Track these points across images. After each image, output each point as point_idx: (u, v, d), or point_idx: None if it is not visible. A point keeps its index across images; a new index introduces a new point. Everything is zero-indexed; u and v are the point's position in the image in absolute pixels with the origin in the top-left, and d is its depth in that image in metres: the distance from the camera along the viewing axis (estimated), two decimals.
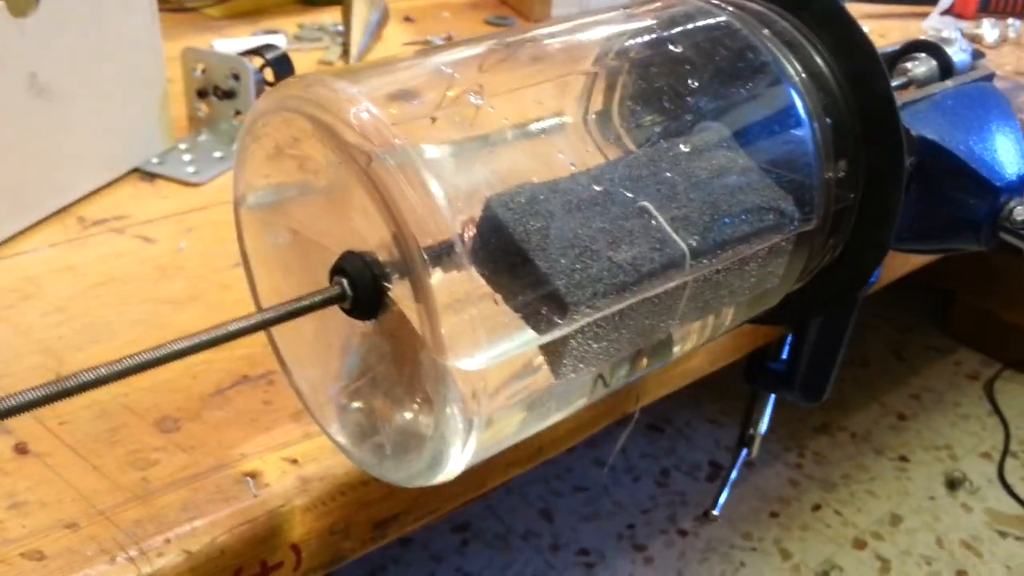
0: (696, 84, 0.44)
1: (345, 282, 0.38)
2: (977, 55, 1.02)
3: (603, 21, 0.47)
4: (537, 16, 1.10)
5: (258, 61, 0.78)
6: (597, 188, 0.40)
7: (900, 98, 0.54)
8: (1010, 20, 1.10)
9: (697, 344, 0.47)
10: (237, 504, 0.45)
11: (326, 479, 0.47)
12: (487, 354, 0.35)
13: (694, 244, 0.40)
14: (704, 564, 1.49)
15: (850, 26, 0.45)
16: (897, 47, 0.57)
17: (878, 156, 0.45)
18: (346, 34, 0.98)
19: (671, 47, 0.45)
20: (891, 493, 1.66)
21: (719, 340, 0.54)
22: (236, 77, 0.75)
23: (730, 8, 0.47)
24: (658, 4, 0.48)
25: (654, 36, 0.46)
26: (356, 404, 0.43)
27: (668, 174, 0.42)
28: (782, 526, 1.58)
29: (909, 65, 0.56)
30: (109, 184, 0.70)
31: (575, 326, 0.37)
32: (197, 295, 0.60)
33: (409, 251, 0.35)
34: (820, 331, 0.64)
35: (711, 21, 0.45)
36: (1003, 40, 1.08)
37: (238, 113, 0.76)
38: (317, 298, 0.38)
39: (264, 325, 0.37)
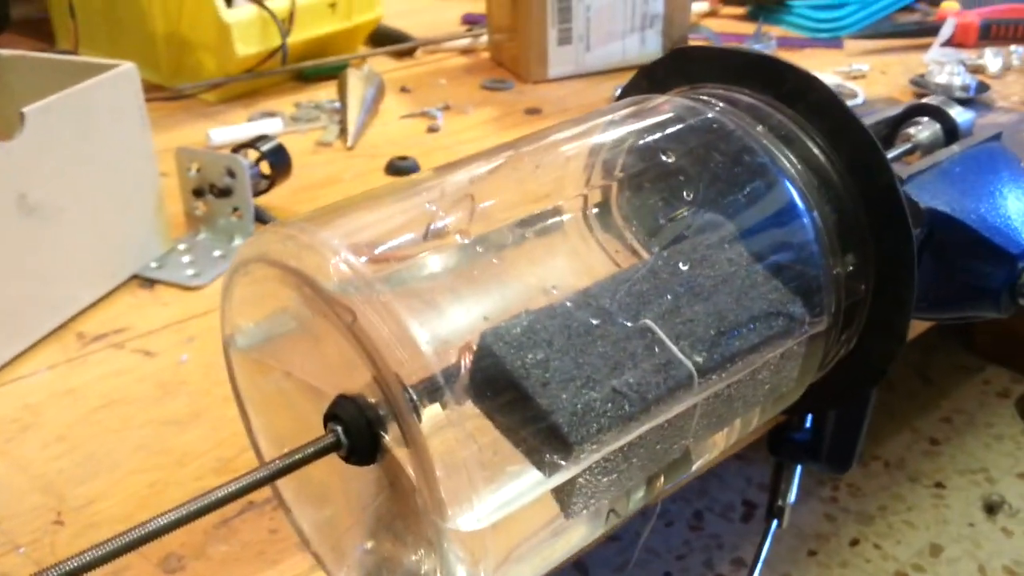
0: (691, 192, 0.42)
1: (340, 429, 0.36)
2: (982, 88, 1.00)
3: (591, 130, 0.46)
4: (534, 77, 1.09)
5: (253, 155, 0.78)
6: (596, 310, 0.38)
7: (906, 168, 0.52)
8: (1013, 47, 1.08)
9: (722, 451, 0.45)
10: None
11: None
12: (489, 506, 0.33)
13: (701, 361, 0.38)
14: None
15: (846, 116, 0.43)
16: (899, 111, 0.56)
17: (886, 246, 0.44)
18: (343, 112, 0.97)
19: (663, 156, 0.43)
20: (929, 522, 1.62)
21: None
22: (231, 174, 0.74)
23: (721, 105, 0.45)
24: (650, 104, 0.46)
25: (645, 142, 0.44)
26: (363, 546, 0.41)
27: (669, 287, 0.40)
28: (821, 564, 1.55)
29: (912, 130, 0.54)
30: (108, 294, 0.69)
31: (582, 465, 0.35)
32: (200, 412, 0.59)
33: (395, 399, 0.33)
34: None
35: (702, 122, 0.44)
36: (1007, 68, 1.06)
37: (235, 210, 0.75)
38: (311, 450, 0.36)
39: (259, 484, 0.35)
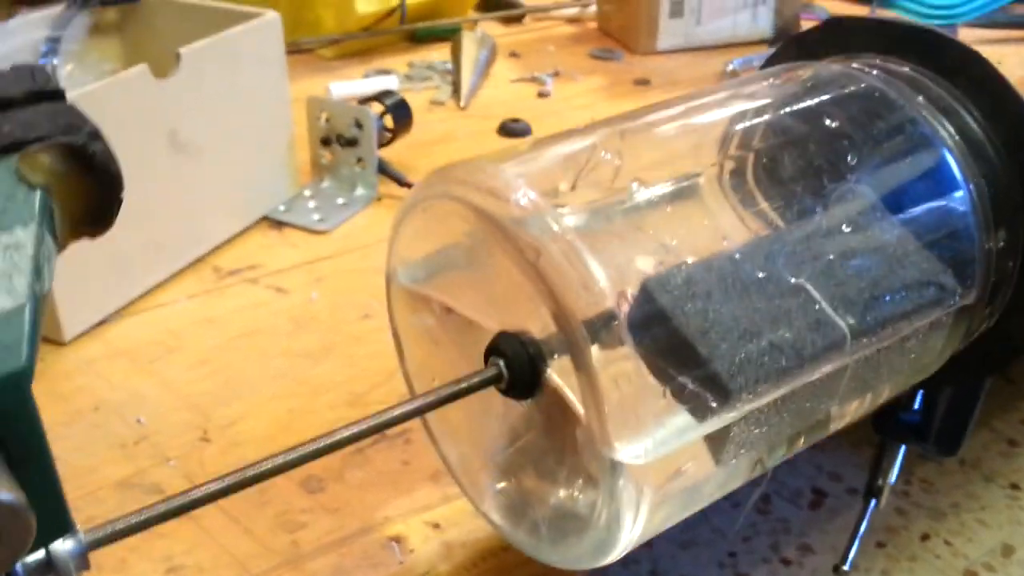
0: (848, 155, 0.43)
1: (502, 363, 0.38)
2: None
3: (746, 93, 0.47)
4: (643, 49, 1.09)
5: (378, 108, 0.80)
6: (753, 267, 0.40)
7: None
8: None
9: (855, 419, 0.46)
10: (385, 570, 0.46)
11: (468, 544, 0.48)
12: (651, 442, 0.35)
13: (854, 323, 0.39)
14: None
15: (1006, 91, 0.44)
16: None
17: None
18: (456, 73, 0.99)
19: (825, 120, 0.44)
20: (1003, 522, 1.60)
21: None
22: (359, 125, 0.76)
23: (877, 73, 0.46)
24: (804, 72, 0.47)
25: (805, 106, 0.45)
26: (509, 481, 0.43)
27: (824, 251, 0.41)
28: (890, 557, 1.53)
29: None
30: (240, 233, 0.72)
31: (738, 413, 0.37)
32: (331, 347, 0.61)
33: (572, 332, 0.35)
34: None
35: (863, 90, 0.45)
36: None
37: (359, 160, 0.77)
38: (474, 380, 0.38)
39: (425, 409, 0.37)
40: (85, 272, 0.60)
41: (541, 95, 0.99)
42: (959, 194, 0.43)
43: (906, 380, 0.46)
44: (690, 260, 0.39)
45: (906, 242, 0.42)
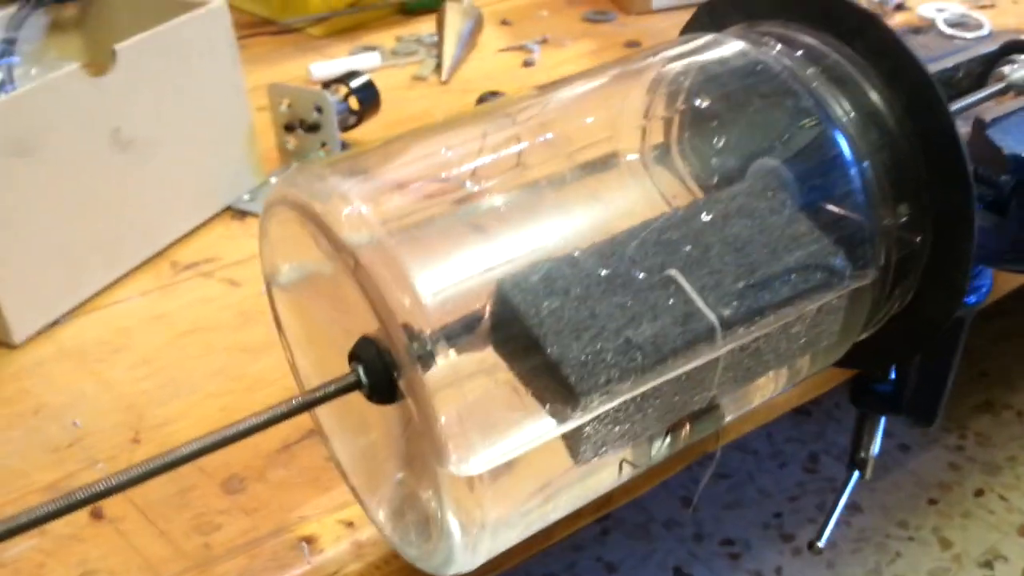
0: (733, 137, 0.41)
1: (360, 369, 0.37)
2: None
3: (644, 68, 0.45)
4: (637, 8, 1.06)
5: (343, 90, 0.79)
6: (618, 258, 0.38)
7: (994, 110, 0.49)
8: None
9: (767, 396, 0.44)
10: (291, 571, 0.46)
11: (379, 543, 0.47)
12: (492, 455, 0.34)
13: (727, 314, 0.37)
14: (857, 555, 1.42)
15: (905, 55, 0.40)
16: (993, 49, 0.52)
17: (944, 195, 0.41)
18: (439, 46, 0.97)
19: (701, 99, 0.42)
20: None
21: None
22: (319, 110, 0.76)
23: (778, 45, 0.43)
24: (700, 43, 0.45)
25: (691, 83, 0.43)
26: (394, 479, 0.42)
27: (701, 236, 0.39)
28: (941, 513, 1.49)
29: (1006, 69, 0.51)
30: (203, 224, 0.73)
31: (590, 415, 0.35)
32: (275, 341, 0.61)
33: (396, 348, 0.34)
34: (927, 353, 0.59)
35: (746, 63, 0.42)
36: None
37: (323, 145, 0.77)
38: (332, 388, 0.37)
39: (283, 417, 0.37)
40: (35, 274, 0.61)
41: (527, 64, 0.97)
42: (850, 170, 0.40)
43: (807, 365, 0.44)
44: (553, 256, 0.38)
45: (796, 223, 0.40)
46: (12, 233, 0.59)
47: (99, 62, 0.64)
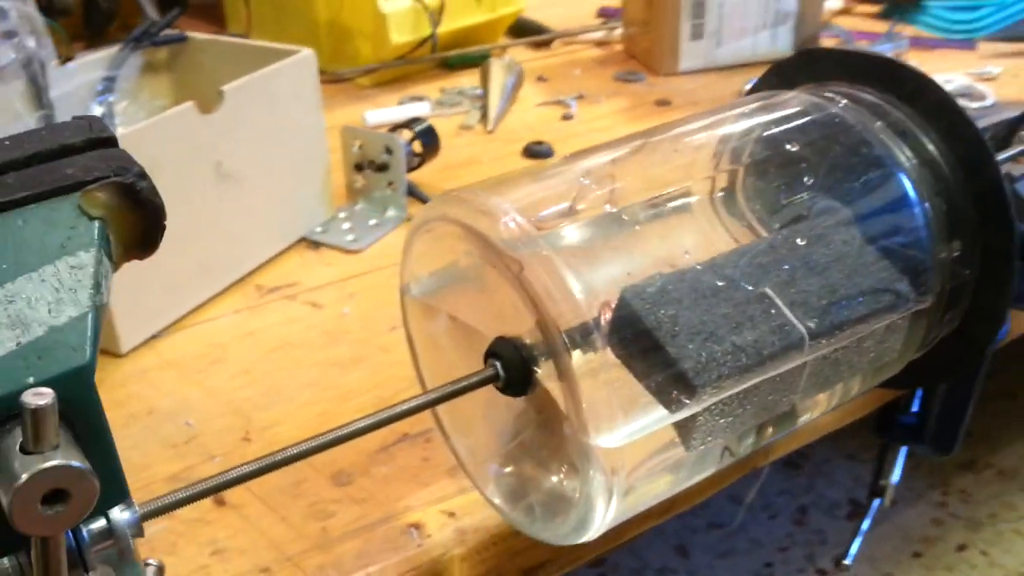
0: (812, 178, 0.48)
1: (498, 364, 0.43)
2: None
3: (723, 120, 0.52)
4: (665, 70, 1.14)
5: (407, 134, 0.86)
6: (721, 276, 0.44)
7: (1020, 167, 0.56)
8: None
9: (824, 411, 0.51)
10: (404, 552, 0.51)
11: (480, 530, 0.53)
12: (625, 431, 0.40)
13: (812, 326, 0.44)
14: None
15: (958, 114, 0.48)
16: (1018, 114, 0.60)
17: (991, 235, 0.48)
18: (485, 98, 1.05)
19: (788, 146, 0.49)
20: None
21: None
22: (389, 151, 0.82)
23: (844, 101, 0.50)
24: (777, 100, 0.52)
25: (774, 132, 0.50)
26: (509, 469, 0.48)
27: (787, 261, 0.46)
28: (925, 567, 1.55)
29: None
30: (281, 253, 0.79)
31: (703, 405, 0.41)
32: (360, 358, 0.67)
33: (552, 338, 0.40)
34: (949, 386, 0.66)
35: (825, 116, 0.49)
36: None
37: (390, 184, 0.83)
38: (474, 379, 0.43)
39: (429, 404, 0.43)
40: (140, 292, 0.67)
41: (565, 118, 1.05)
42: (913, 210, 0.47)
43: (870, 378, 0.50)
44: (666, 271, 0.44)
45: (866, 253, 0.47)
46: None
47: (202, 102, 0.70)
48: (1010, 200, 0.47)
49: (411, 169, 0.86)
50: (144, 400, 0.63)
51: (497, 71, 1.07)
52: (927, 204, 0.48)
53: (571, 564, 0.56)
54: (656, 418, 0.42)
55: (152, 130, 0.66)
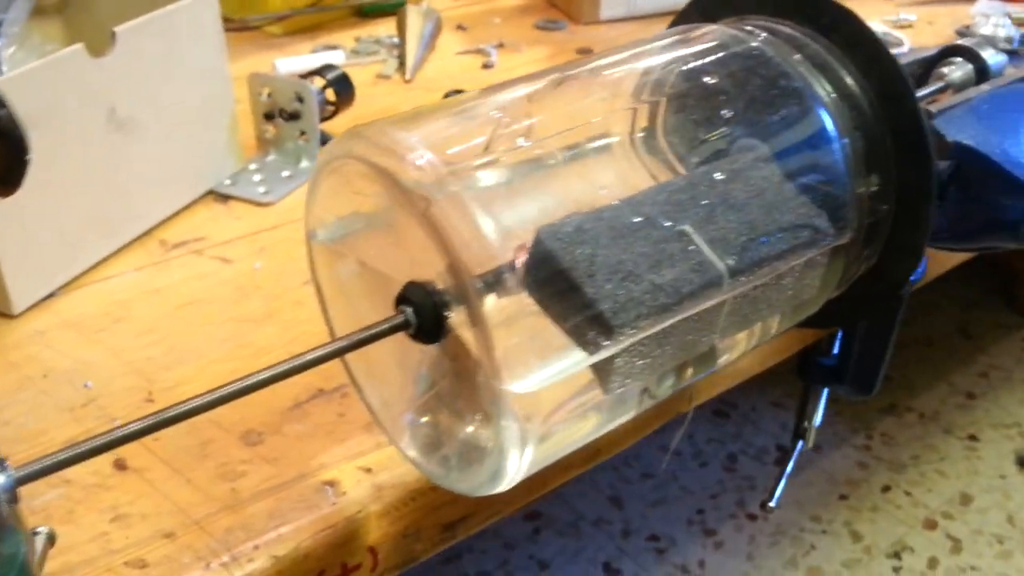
0: (731, 112, 0.46)
1: (409, 310, 0.41)
2: None
3: (641, 54, 0.50)
4: (586, 18, 1.12)
5: (320, 82, 0.82)
6: (639, 215, 0.43)
7: (936, 104, 0.56)
8: None
9: (745, 351, 0.50)
10: (318, 511, 0.49)
11: (398, 486, 0.51)
12: (538, 376, 0.38)
13: (732, 264, 0.43)
14: (774, 547, 1.50)
15: (877, 47, 0.47)
16: (934, 52, 0.59)
17: (909, 170, 0.47)
18: (402, 46, 1.01)
19: (706, 79, 0.47)
20: (961, 473, 1.65)
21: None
22: (300, 99, 0.79)
23: (763, 35, 0.49)
24: (696, 33, 0.50)
25: (692, 66, 0.48)
26: (424, 419, 0.46)
27: (706, 198, 0.44)
28: (852, 508, 1.58)
29: (945, 70, 0.58)
30: (187, 207, 0.75)
31: (621, 347, 0.40)
32: (273, 312, 0.64)
33: (463, 282, 0.38)
34: (868, 328, 0.66)
35: (744, 49, 0.48)
36: None
37: (303, 133, 0.80)
38: (384, 326, 0.41)
39: (337, 354, 0.41)
40: (32, 248, 0.63)
41: (486, 66, 1.02)
42: (831, 144, 0.46)
43: (789, 317, 0.49)
44: (584, 210, 0.43)
45: (785, 189, 0.46)
46: (13, 205, 0.61)
47: (94, 45, 0.66)
48: (928, 135, 0.46)
49: (324, 119, 0.83)
50: (40, 362, 0.59)
51: (414, 18, 1.03)
52: (845, 139, 0.47)
53: (492, 517, 0.54)
54: (573, 362, 0.40)
55: (37, 74, 0.61)
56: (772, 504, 0.75)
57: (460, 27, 1.11)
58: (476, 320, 0.37)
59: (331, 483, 0.51)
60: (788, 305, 0.47)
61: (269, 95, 0.80)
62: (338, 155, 0.42)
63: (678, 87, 0.50)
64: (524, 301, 0.40)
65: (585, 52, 1.05)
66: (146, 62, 0.69)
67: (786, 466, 0.76)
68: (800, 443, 0.77)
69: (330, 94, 0.83)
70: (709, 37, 0.50)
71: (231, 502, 0.49)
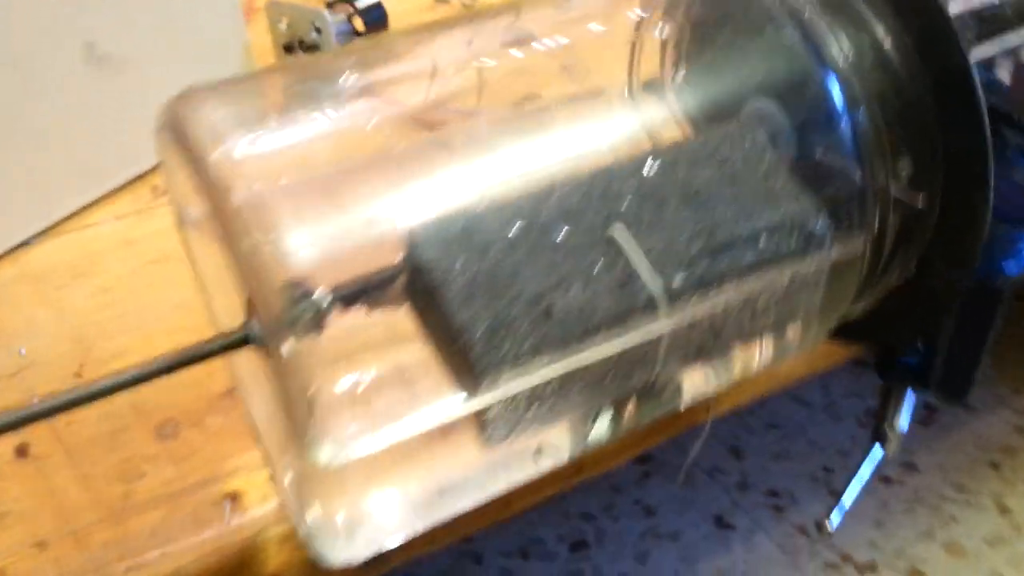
0: (729, 71, 0.35)
1: (256, 324, 0.33)
2: None
3: None
4: None
5: (347, 10, 0.73)
6: (562, 209, 0.32)
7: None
8: None
9: (747, 372, 0.38)
10: (210, 530, 0.42)
11: None
12: (368, 438, 0.29)
13: (675, 282, 0.32)
14: (908, 515, 1.35)
15: None
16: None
17: (957, 144, 0.34)
18: None
19: (699, 21, 0.35)
20: None
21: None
22: (318, 30, 0.70)
23: None
24: None
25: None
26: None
27: (661, 186, 0.33)
28: (1003, 479, 1.41)
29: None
30: None
31: (493, 393, 0.30)
32: None
33: (261, 323, 0.29)
34: (959, 325, 0.53)
35: None
36: None
37: None
38: (218, 344, 0.33)
39: (150, 376, 0.33)
40: (3, 193, 0.58)
41: None
42: (839, 120, 0.34)
43: (780, 343, 0.37)
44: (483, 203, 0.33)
45: (774, 179, 0.34)
46: None
47: None
48: (979, 93, 0.32)
49: None
50: None
51: None
52: (861, 111, 0.34)
53: (416, 549, 0.46)
54: (436, 410, 0.31)
55: None
56: (831, 528, 0.62)
57: None
58: (277, 371, 0.29)
59: (234, 496, 0.44)
60: (773, 331, 0.36)
61: (288, 25, 0.72)
62: (164, 124, 0.33)
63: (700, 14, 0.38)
64: (393, 323, 0.31)
65: None
66: None
67: (854, 477, 0.63)
68: (880, 449, 0.64)
69: (358, 23, 0.74)
70: None
71: (118, 509, 0.43)
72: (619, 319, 0.31)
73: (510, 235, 0.32)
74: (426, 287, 0.31)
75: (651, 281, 0.32)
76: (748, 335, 0.35)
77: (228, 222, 0.29)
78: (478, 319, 0.30)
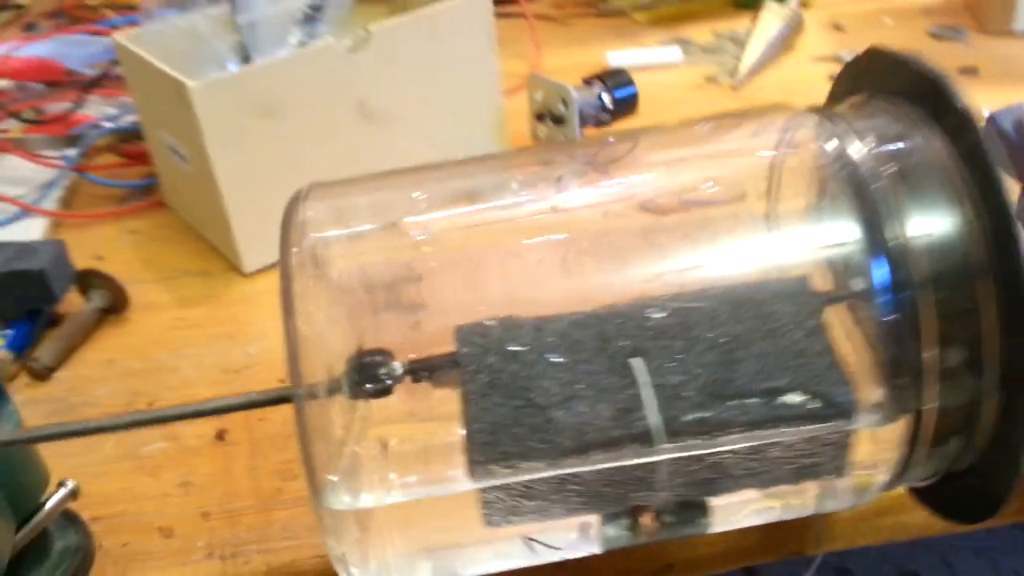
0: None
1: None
2: None
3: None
4: (994, 28, 0.92)
5: (599, 87, 0.79)
6: (594, 332, 0.37)
7: None
8: None
9: (796, 514, 0.39)
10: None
11: None
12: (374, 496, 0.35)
13: (679, 421, 0.35)
14: None
15: (989, 168, 0.33)
16: None
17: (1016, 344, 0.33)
18: (744, 47, 0.93)
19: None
20: None
21: None
22: (565, 104, 0.77)
23: (848, 127, 0.37)
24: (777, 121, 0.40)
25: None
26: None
27: (697, 326, 0.36)
28: None
29: None
30: None
31: (488, 482, 0.35)
32: None
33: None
34: None
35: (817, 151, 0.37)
36: None
37: (566, 139, 0.78)
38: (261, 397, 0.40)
39: (209, 412, 0.41)
40: (267, 219, 0.71)
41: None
42: (879, 299, 0.34)
43: (831, 492, 0.38)
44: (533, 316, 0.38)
45: (812, 341, 0.35)
46: (257, 178, 0.68)
47: (357, 43, 0.71)
48: None
49: (600, 124, 0.80)
50: (239, 321, 0.67)
51: (768, 16, 0.94)
52: (907, 293, 0.34)
53: None
54: (447, 486, 0.36)
55: (287, 65, 0.68)
56: None
57: (836, 27, 0.98)
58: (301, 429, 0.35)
59: None
60: (792, 481, 0.37)
61: (542, 97, 0.79)
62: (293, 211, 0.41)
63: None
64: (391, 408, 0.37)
65: (968, 72, 0.87)
66: (403, 58, 0.72)
67: None
68: None
69: (609, 101, 0.80)
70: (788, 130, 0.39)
71: (269, 500, 0.53)
72: (612, 442, 0.34)
73: (542, 346, 0.36)
74: (459, 378, 0.36)
75: (652, 414, 0.35)
76: (764, 481, 0.36)
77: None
78: (487, 414, 0.35)
